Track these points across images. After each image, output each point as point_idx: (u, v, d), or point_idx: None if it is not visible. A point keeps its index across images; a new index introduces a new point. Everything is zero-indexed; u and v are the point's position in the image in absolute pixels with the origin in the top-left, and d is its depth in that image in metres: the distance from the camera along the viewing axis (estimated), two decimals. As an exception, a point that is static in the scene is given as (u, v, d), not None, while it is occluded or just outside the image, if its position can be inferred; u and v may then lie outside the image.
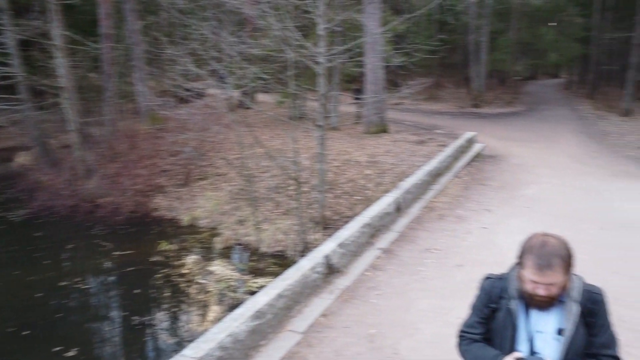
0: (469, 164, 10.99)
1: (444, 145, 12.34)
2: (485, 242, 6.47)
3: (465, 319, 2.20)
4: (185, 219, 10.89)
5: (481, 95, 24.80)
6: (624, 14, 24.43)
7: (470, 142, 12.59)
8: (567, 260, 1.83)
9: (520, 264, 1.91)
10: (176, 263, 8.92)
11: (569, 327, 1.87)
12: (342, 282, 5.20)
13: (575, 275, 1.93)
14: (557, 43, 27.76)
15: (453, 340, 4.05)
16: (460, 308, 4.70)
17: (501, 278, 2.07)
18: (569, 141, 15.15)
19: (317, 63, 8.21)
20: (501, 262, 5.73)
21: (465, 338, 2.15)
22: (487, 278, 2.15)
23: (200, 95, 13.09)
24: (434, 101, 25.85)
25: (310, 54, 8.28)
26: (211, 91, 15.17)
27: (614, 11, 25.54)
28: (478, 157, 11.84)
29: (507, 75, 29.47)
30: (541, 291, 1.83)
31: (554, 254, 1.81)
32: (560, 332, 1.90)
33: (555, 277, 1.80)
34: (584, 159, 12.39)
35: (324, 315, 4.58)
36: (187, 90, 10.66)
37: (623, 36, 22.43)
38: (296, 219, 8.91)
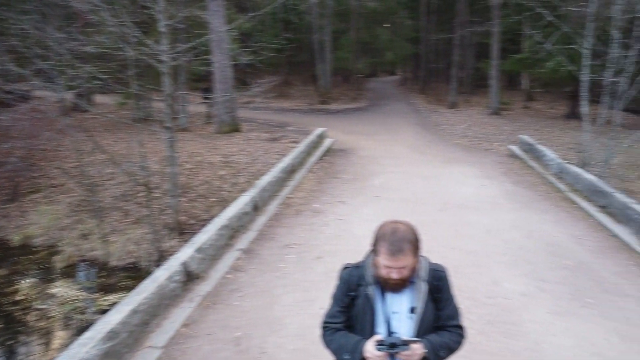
0: (321, 158, 11.38)
1: (297, 142, 12.61)
2: (341, 233, 6.73)
3: (327, 309, 2.23)
4: (15, 238, 9.56)
5: (328, 92, 25.92)
6: (445, 18, 27.43)
7: (321, 137, 13.06)
8: (415, 244, 1.97)
9: (374, 251, 2.00)
10: (7, 290, 7.79)
11: (420, 305, 2.02)
12: (202, 288, 5.00)
13: (421, 256, 2.07)
14: (391, 43, 30.23)
15: (318, 331, 4.13)
16: (322, 299, 4.82)
17: (358, 266, 2.15)
18: (408, 133, 16.55)
19: (160, 62, 7.77)
20: (357, 250, 5.98)
21: (328, 328, 2.18)
22: (345, 268, 2.21)
23: (25, 98, 11.56)
24: (284, 99, 26.36)
25: (152, 52, 7.79)
26: (39, 93, 13.55)
27: (437, 14, 28.54)
28: (329, 151, 12.33)
29: (350, 72, 31.20)
30: (394, 275, 1.94)
31: (404, 240, 1.93)
32: (412, 310, 2.03)
33: (407, 261, 1.92)
34: (421, 149, 13.63)
35: (185, 325, 4.35)
36: (8, 92, 9.32)
37: (446, 37, 25.16)
38: (148, 227, 8.36)
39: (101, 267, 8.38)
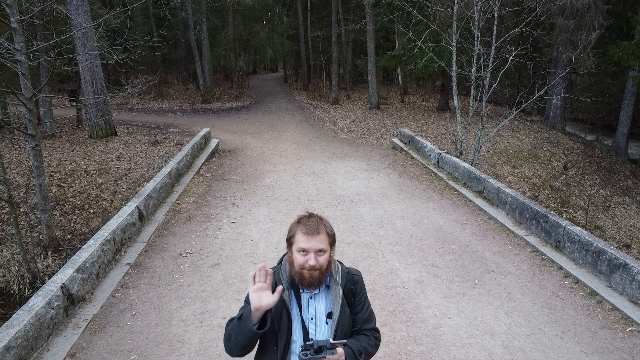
0: (208, 160, 10.97)
1: (181, 144, 12.05)
2: (237, 236, 6.51)
3: (239, 310, 2.08)
4: None
5: (210, 91, 25.17)
6: (321, 15, 28.04)
7: (206, 138, 12.61)
8: (331, 233, 1.94)
9: (289, 244, 1.95)
10: None
11: (337, 309, 1.97)
12: (88, 311, 4.51)
13: (337, 261, 2.02)
14: (270, 40, 30.18)
15: (221, 344, 3.91)
16: (224, 308, 4.61)
17: (272, 271, 2.03)
18: (294, 130, 16.64)
19: (16, 61, 6.88)
20: (255, 253, 5.93)
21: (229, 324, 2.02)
22: None
23: None
24: (163, 99, 25.10)
25: (4, 51, 6.87)
26: None
27: (313, 12, 29.06)
28: (216, 152, 11.94)
29: (231, 70, 30.64)
30: (311, 261, 1.86)
31: (319, 223, 1.91)
32: (329, 315, 1.98)
33: (323, 243, 1.88)
34: (309, 145, 13.76)
35: (71, 355, 3.88)
36: None
37: (323, 34, 25.72)
38: (17, 247, 7.41)
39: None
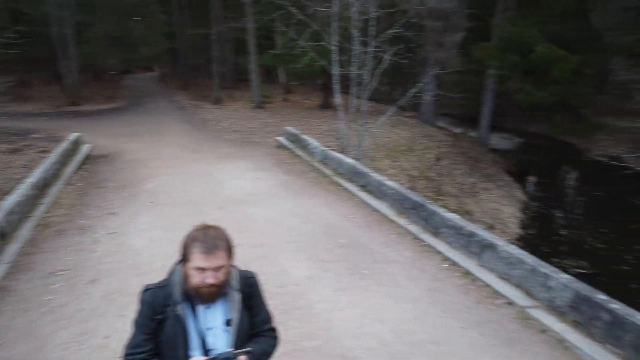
0: (80, 167, 10.12)
1: (47, 151, 10.97)
2: (117, 248, 6.07)
3: (129, 339, 1.95)
4: None
5: (78, 92, 23.24)
6: (199, 13, 27.22)
7: (77, 143, 11.63)
8: (229, 245, 1.89)
9: (184, 259, 1.87)
10: None
11: (236, 315, 1.93)
12: (-61, 348, 3.91)
13: (231, 265, 1.96)
14: (145, 37, 28.63)
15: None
16: (106, 326, 4.27)
17: (162, 286, 1.95)
18: (176, 131, 15.99)
19: None
20: (139, 264, 5.59)
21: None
22: (146, 289, 1.97)
23: None
24: (24, 102, 22.59)
25: None
26: None
27: (191, 9, 28.14)
28: (88, 159, 11.05)
29: (102, 69, 28.59)
30: (210, 279, 1.80)
31: (218, 238, 1.86)
32: (228, 323, 1.92)
33: (222, 259, 1.83)
34: (192, 147, 13.30)
35: None
36: None
37: (202, 32, 24.99)
38: None
39: None
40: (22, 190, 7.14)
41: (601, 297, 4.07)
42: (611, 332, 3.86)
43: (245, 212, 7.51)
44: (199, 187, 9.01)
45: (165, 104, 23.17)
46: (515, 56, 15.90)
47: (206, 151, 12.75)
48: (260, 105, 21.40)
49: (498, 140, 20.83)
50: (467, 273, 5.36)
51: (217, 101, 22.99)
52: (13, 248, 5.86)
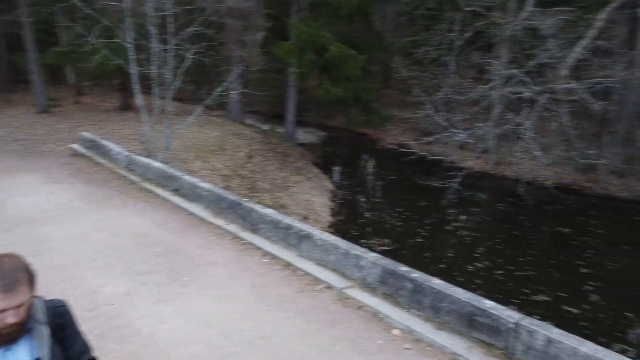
0: None
1: None
2: None
3: None
4: None
5: None
6: None
7: None
8: (30, 275, 1.64)
9: None
10: None
11: (45, 352, 1.68)
12: None
13: (34, 296, 1.69)
14: None
15: None
16: None
17: None
18: None
19: None
20: None
21: None
22: None
23: None
24: None
25: None
26: None
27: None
28: None
29: None
30: (11, 318, 1.54)
31: (15, 269, 1.59)
32: None
33: (24, 296, 1.58)
34: (-40, 161, 11.14)
35: None
36: None
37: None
38: None
39: None
40: None
41: (403, 268, 4.59)
42: (414, 298, 4.39)
43: (39, 232, 6.59)
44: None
45: None
46: (312, 55, 16.99)
47: (-19, 166, 10.81)
48: (46, 110, 18.94)
49: (304, 135, 22.01)
50: (287, 265, 5.54)
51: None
52: None
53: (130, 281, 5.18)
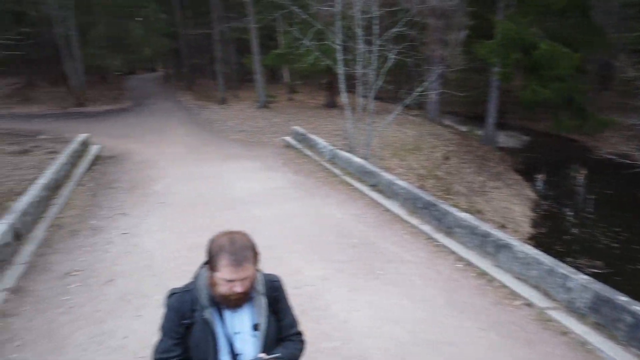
0: (90, 168, 10.13)
1: (56, 152, 10.98)
2: (130, 249, 6.07)
3: (157, 343, 1.94)
4: None
5: (83, 93, 23.29)
6: (200, 12, 27.15)
7: (85, 144, 11.64)
8: (255, 251, 1.86)
9: (211, 267, 1.82)
10: None
11: (263, 320, 1.91)
12: (-41, 352, 3.91)
13: (256, 269, 1.93)
14: (147, 38, 28.62)
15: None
16: (122, 328, 4.26)
17: (188, 290, 1.93)
18: (182, 132, 15.99)
19: None
20: (152, 265, 5.57)
21: None
22: (173, 294, 1.96)
23: None
24: (30, 103, 22.69)
25: None
26: None
27: (192, 9, 28.08)
28: (98, 159, 11.07)
29: (106, 70, 28.61)
30: (238, 288, 1.79)
31: (245, 247, 1.81)
32: (255, 327, 1.90)
33: (250, 270, 1.81)
34: (199, 147, 13.30)
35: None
36: None
37: (204, 32, 24.95)
38: None
39: None
40: (34, 191, 7.15)
41: (622, 298, 4.01)
42: (635, 334, 3.81)
43: (254, 213, 7.49)
44: (206, 187, 8.99)
45: (169, 105, 23.17)
46: (517, 53, 15.84)
47: (213, 152, 12.74)
48: (265, 105, 21.37)
49: (504, 138, 20.75)
50: (483, 273, 5.32)
51: (223, 101, 22.97)
52: (28, 249, 5.87)
53: (327, 267, 5.55)
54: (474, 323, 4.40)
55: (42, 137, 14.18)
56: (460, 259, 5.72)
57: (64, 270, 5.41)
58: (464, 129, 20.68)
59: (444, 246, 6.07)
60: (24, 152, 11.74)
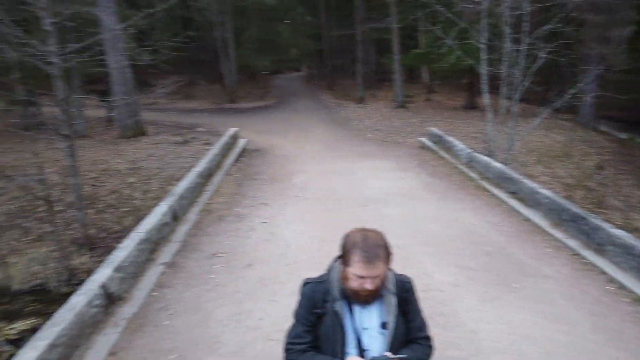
0: (237, 160, 11.04)
1: (209, 144, 12.15)
2: (268, 236, 6.51)
3: (290, 329, 2.07)
4: None
5: (235, 91, 25.35)
6: (344, 14, 27.86)
7: (235, 138, 12.68)
8: (388, 250, 1.90)
9: (344, 262, 1.89)
10: None
11: (391, 319, 1.94)
12: (127, 311, 4.56)
13: (388, 269, 1.97)
14: (293, 39, 30.18)
15: (258, 346, 3.91)
16: (259, 310, 4.60)
17: (321, 281, 2.03)
18: (320, 129, 16.62)
19: (49, 63, 6.98)
20: (288, 254, 5.92)
21: (293, 350, 2.02)
22: (307, 283, 2.07)
23: None
24: (190, 99, 25.38)
25: (38, 52, 6.97)
26: None
27: (336, 11, 28.93)
28: (244, 152, 12.00)
29: (255, 70, 30.74)
30: (368, 285, 1.83)
31: (377, 246, 1.85)
32: (383, 325, 1.94)
33: (382, 269, 1.85)
34: (335, 145, 13.72)
35: (112, 354, 3.93)
36: None
37: (347, 33, 25.57)
38: (54, 245, 7.55)
39: (1, 292, 7.43)
40: (190, 178, 8.03)
41: None
42: None
43: (386, 212, 7.53)
44: (341, 184, 9.25)
45: (310, 103, 24.17)
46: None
47: (348, 149, 13.04)
48: (402, 105, 21.26)
49: (674, 149, 18.11)
50: (638, 300, 4.76)
51: (361, 100, 23.35)
52: (183, 229, 6.62)
53: (458, 273, 5.38)
54: (624, 354, 3.96)
55: (200, 129, 15.76)
56: (612, 280, 5.17)
57: (211, 251, 6.00)
58: (623, 135, 18.46)
59: (593, 265, 5.53)
60: (184, 142, 13.17)
